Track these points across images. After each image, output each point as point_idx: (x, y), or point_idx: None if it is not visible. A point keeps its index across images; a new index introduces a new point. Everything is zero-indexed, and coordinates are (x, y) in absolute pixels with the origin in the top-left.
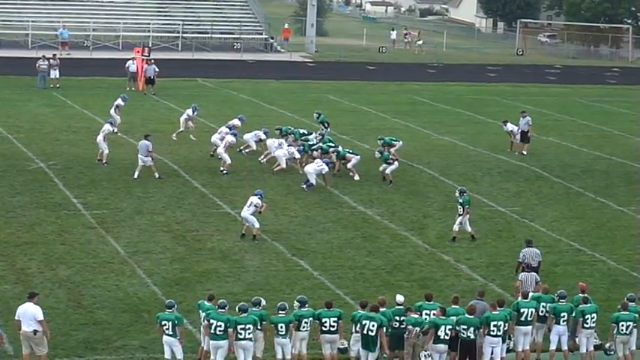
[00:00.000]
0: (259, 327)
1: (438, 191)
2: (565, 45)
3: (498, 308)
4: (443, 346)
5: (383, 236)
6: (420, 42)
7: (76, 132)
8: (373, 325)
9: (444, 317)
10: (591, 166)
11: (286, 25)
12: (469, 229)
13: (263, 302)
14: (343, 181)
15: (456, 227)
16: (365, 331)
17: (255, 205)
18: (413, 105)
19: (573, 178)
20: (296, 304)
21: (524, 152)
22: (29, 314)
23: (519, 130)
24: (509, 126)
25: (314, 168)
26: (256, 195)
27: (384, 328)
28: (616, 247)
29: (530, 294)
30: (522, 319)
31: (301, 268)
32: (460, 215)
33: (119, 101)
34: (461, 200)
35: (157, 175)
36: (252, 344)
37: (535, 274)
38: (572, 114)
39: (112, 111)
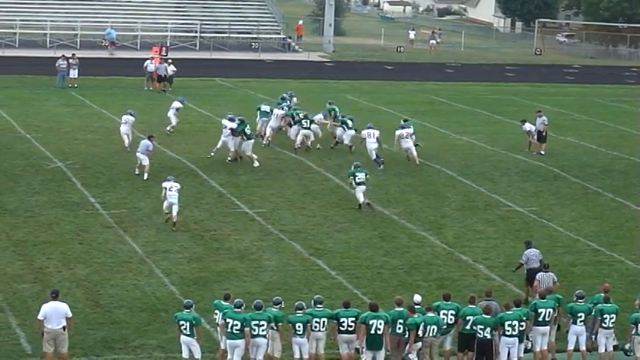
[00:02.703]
0: (275, 327)
1: (456, 191)
2: (583, 45)
3: (514, 308)
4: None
5: (401, 236)
6: (433, 41)
7: (94, 131)
8: (380, 324)
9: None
10: (610, 166)
11: (300, 22)
12: (362, 199)
13: (282, 303)
14: None
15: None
16: (372, 331)
17: (175, 188)
18: (431, 105)
19: (591, 178)
20: (312, 303)
21: (542, 152)
22: (60, 312)
23: (536, 130)
24: (527, 126)
25: (371, 143)
26: (169, 180)
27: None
28: (634, 247)
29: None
30: (540, 319)
31: (319, 267)
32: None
33: (177, 104)
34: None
35: (145, 177)
36: (265, 342)
37: (552, 274)
38: (591, 114)
39: (169, 113)
